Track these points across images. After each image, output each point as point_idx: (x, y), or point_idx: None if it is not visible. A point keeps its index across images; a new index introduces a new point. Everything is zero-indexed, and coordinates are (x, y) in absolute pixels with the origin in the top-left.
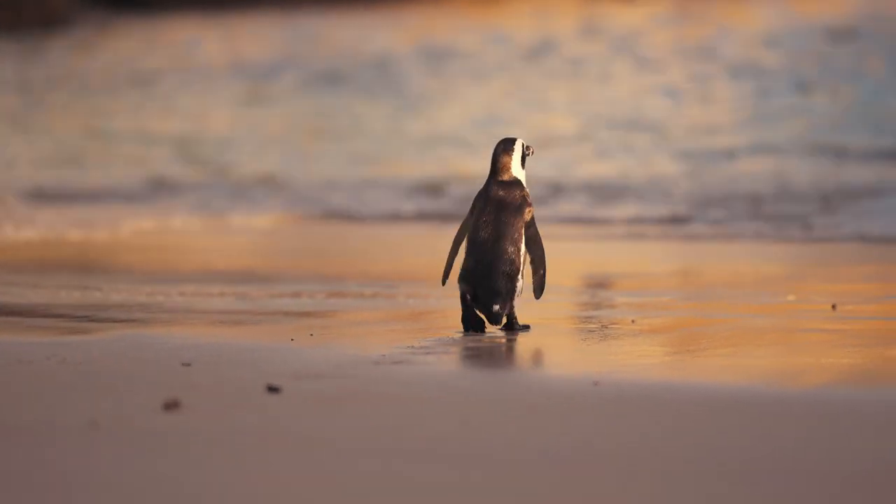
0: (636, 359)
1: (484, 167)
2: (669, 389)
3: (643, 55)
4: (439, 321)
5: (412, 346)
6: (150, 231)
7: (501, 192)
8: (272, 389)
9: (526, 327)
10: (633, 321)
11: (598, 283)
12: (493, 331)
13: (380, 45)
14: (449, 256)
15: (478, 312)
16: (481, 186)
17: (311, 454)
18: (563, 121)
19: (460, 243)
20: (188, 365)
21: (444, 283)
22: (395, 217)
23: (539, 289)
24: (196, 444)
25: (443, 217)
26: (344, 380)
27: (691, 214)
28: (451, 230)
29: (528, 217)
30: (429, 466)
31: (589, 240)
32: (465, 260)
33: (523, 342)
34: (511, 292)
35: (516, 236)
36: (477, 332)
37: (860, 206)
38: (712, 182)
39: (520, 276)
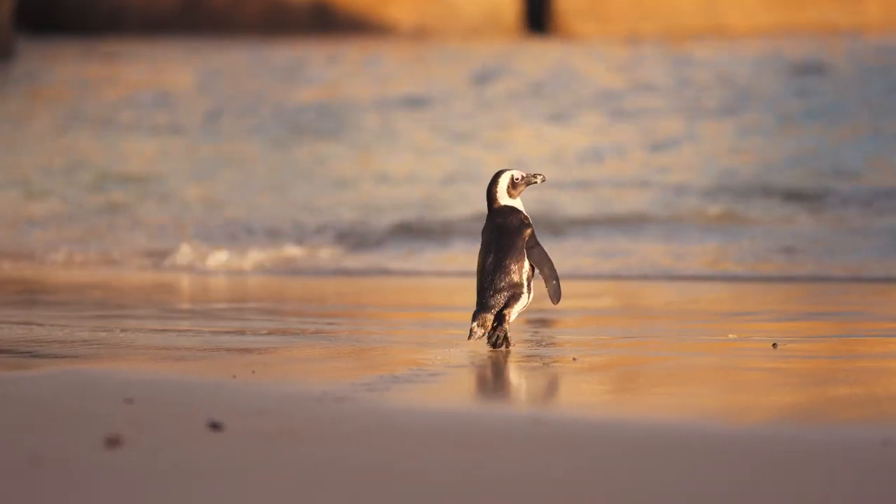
0: (577, 396)
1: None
2: (611, 427)
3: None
4: (380, 358)
5: (354, 383)
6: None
7: (499, 220)
8: (214, 426)
9: (510, 343)
10: (574, 359)
11: (539, 320)
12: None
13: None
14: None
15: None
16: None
17: (254, 490)
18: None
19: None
20: (130, 401)
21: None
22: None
23: (555, 296)
24: (138, 480)
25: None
26: (286, 416)
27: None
28: None
29: (527, 236)
30: (369, 500)
31: None
32: (479, 282)
33: (466, 379)
34: (507, 307)
35: (518, 256)
36: (491, 343)
37: None
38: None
39: (524, 292)
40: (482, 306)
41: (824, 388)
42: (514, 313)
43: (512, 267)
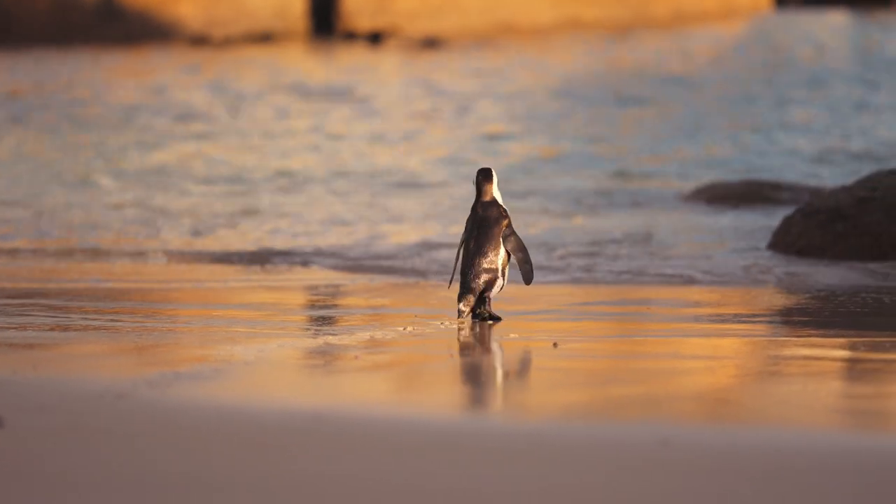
0: (360, 394)
1: None
2: (392, 425)
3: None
4: (164, 354)
5: (135, 379)
6: None
7: (484, 211)
8: None
9: (498, 318)
10: (356, 357)
11: (320, 318)
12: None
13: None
14: (454, 264)
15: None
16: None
17: (34, 488)
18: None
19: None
20: None
21: (449, 285)
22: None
23: (529, 278)
24: None
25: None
26: (67, 413)
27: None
28: None
29: (504, 226)
30: (152, 499)
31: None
32: (462, 266)
33: (249, 376)
34: (488, 288)
35: (496, 244)
36: (476, 320)
37: None
38: None
39: (499, 276)
40: (466, 288)
41: (605, 388)
42: (493, 294)
43: (490, 254)
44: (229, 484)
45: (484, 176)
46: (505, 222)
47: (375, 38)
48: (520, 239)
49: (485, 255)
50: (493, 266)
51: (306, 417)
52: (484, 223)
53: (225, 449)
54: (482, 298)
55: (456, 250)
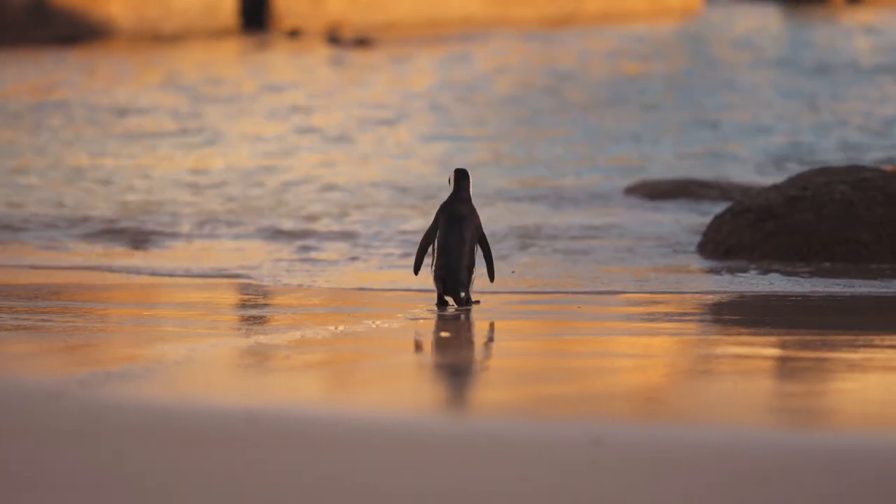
0: (292, 393)
1: None
2: (327, 423)
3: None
4: (95, 354)
5: (67, 379)
6: None
7: (459, 207)
8: None
9: (476, 302)
10: (287, 356)
11: (252, 317)
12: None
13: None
14: (418, 254)
15: (445, 297)
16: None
17: None
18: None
19: (428, 243)
20: None
21: (416, 273)
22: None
23: (491, 275)
24: None
25: None
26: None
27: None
28: None
29: (477, 223)
30: (85, 497)
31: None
32: (439, 260)
33: (180, 375)
34: (469, 281)
35: (472, 240)
36: (445, 308)
37: None
38: None
39: (474, 268)
40: (456, 276)
41: (537, 387)
42: (471, 283)
43: (468, 249)
44: (162, 483)
45: (461, 175)
46: (478, 221)
47: (334, 39)
48: (486, 237)
49: (465, 250)
50: (471, 257)
51: (238, 416)
52: (460, 219)
53: (155, 450)
54: (464, 287)
55: (420, 242)
